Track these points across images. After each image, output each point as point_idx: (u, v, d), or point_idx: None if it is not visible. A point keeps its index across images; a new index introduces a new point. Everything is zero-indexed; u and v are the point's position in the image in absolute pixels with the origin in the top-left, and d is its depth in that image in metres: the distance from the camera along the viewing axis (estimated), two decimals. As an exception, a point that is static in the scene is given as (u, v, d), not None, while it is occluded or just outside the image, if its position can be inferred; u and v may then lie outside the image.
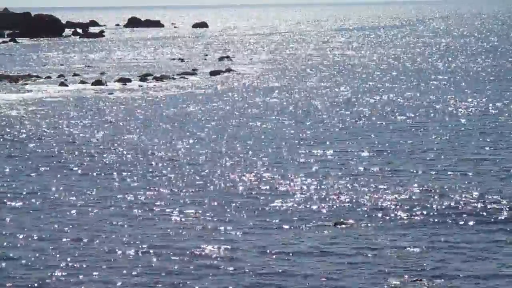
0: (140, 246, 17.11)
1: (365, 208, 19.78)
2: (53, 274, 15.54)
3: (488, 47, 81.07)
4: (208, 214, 19.57)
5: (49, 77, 57.26)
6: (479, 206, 19.72)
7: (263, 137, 30.59)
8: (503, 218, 18.72)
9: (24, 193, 22.18)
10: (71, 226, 18.74)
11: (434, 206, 19.80)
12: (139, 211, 20.05)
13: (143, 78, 55.32)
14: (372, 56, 72.33)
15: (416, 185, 22.01)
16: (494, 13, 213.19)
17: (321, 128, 32.39)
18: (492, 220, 18.59)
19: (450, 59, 66.79)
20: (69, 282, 15.14)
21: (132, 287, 14.91)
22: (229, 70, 59.16)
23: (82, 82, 53.46)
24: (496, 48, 78.99)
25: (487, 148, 27.14)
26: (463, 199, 20.40)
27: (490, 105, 37.62)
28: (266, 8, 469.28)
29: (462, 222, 18.43)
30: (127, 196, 21.52)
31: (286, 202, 20.56)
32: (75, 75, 58.43)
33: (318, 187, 22.12)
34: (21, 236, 17.98)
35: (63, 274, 15.55)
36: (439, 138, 29.28)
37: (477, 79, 50.01)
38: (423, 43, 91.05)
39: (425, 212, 19.30)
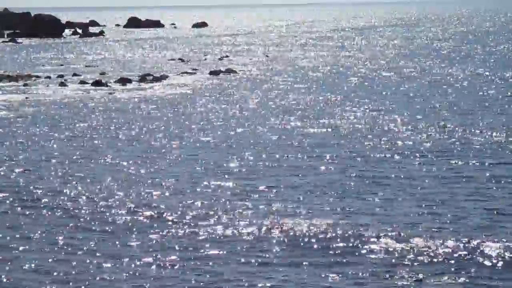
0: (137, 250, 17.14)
1: (367, 210, 19.78)
2: None
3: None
4: (207, 215, 19.55)
5: (49, 77, 57.24)
6: (480, 208, 19.74)
7: (262, 137, 30.57)
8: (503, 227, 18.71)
9: (23, 194, 22.18)
10: (70, 222, 18.77)
11: (435, 207, 19.84)
12: (139, 210, 20.06)
13: (143, 78, 55.28)
14: (368, 56, 72.37)
15: (415, 187, 22.06)
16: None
17: (321, 128, 32.35)
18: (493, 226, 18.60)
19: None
20: None
21: None
22: (229, 70, 59.13)
23: (82, 82, 53.43)
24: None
25: (489, 155, 27.06)
26: (465, 204, 20.39)
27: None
28: (266, 8, 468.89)
29: (464, 225, 18.40)
30: (128, 196, 21.52)
31: (286, 202, 20.57)
32: (75, 75, 58.38)
33: (317, 187, 22.11)
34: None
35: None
36: (439, 140, 29.26)
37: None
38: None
39: (425, 215, 19.32)
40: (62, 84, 52.27)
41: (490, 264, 15.63)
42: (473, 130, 30.66)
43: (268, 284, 14.84)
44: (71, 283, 15.08)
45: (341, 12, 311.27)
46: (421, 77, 51.95)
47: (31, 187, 22.84)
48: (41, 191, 22.39)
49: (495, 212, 19.12)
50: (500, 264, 15.61)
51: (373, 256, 16.19)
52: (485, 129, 30.75)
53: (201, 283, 14.96)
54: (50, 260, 16.31)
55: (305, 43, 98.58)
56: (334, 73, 57.08)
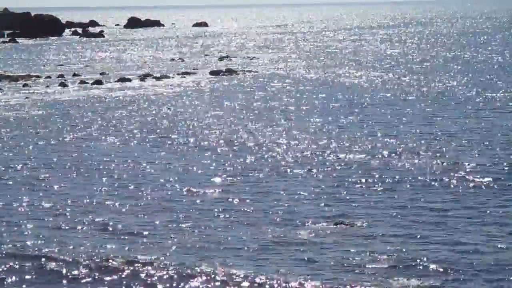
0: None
1: (368, 207, 19.79)
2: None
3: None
4: (206, 213, 19.56)
5: (49, 77, 57.26)
6: (480, 205, 19.76)
7: (262, 136, 30.55)
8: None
9: (25, 195, 22.19)
10: (72, 221, 18.79)
11: (437, 205, 19.84)
12: (138, 208, 20.07)
13: (143, 78, 55.34)
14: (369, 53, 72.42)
15: (416, 183, 22.07)
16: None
17: (321, 128, 32.34)
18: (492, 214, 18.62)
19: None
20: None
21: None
22: (229, 70, 59.10)
23: (82, 82, 53.46)
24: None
25: (487, 149, 27.11)
26: (466, 199, 20.43)
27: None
28: (266, 8, 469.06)
29: (466, 221, 18.41)
30: (127, 194, 21.53)
31: (286, 200, 20.57)
32: (75, 75, 58.41)
33: (318, 187, 22.11)
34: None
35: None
36: (440, 137, 29.26)
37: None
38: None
39: (426, 211, 19.33)
40: (62, 84, 52.29)
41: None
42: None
43: None
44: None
45: (343, 12, 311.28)
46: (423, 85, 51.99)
47: (31, 187, 22.86)
48: (41, 191, 22.41)
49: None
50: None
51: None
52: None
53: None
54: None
55: (305, 43, 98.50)
56: (333, 74, 57.01)
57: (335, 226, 18.26)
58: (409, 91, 43.94)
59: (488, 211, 19.24)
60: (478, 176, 22.76)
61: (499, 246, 16.58)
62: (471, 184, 21.95)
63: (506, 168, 23.72)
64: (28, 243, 17.33)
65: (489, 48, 78.00)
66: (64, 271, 15.60)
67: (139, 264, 15.83)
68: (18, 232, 18.27)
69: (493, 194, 20.91)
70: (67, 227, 18.67)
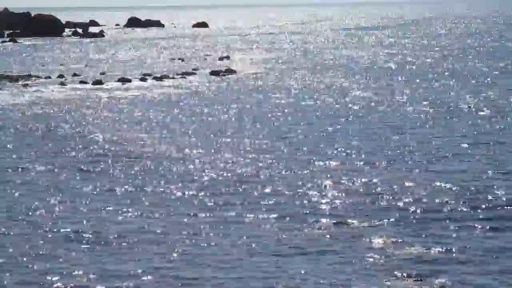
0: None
1: (367, 207, 19.80)
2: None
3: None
4: (204, 213, 19.59)
5: (49, 77, 57.23)
6: (481, 204, 19.77)
7: (261, 136, 30.58)
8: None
9: (27, 198, 22.22)
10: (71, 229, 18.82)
11: (438, 204, 19.85)
12: (138, 205, 20.10)
13: (143, 78, 55.33)
14: (370, 55, 72.41)
15: (419, 183, 22.08)
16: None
17: (322, 127, 32.36)
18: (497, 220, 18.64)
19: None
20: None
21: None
22: (229, 70, 59.11)
23: (82, 82, 53.47)
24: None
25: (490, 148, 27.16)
26: (467, 197, 20.46)
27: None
28: (266, 9, 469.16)
29: (466, 222, 18.43)
30: (127, 194, 21.55)
31: (287, 200, 20.59)
32: (75, 75, 58.39)
33: (319, 186, 22.12)
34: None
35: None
36: (442, 137, 29.28)
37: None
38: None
39: (426, 211, 19.34)
40: (62, 84, 52.29)
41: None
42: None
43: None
44: None
45: (343, 12, 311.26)
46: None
47: (30, 187, 22.89)
48: (41, 191, 22.46)
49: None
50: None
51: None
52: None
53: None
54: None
55: (307, 41, 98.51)
56: (336, 70, 57.04)
57: (335, 225, 18.32)
58: (405, 94, 44.03)
59: (490, 213, 19.29)
60: (476, 179, 22.83)
61: (503, 250, 16.64)
62: (470, 184, 22.01)
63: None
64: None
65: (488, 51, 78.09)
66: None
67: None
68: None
69: (492, 197, 20.95)
70: (62, 227, 18.73)
